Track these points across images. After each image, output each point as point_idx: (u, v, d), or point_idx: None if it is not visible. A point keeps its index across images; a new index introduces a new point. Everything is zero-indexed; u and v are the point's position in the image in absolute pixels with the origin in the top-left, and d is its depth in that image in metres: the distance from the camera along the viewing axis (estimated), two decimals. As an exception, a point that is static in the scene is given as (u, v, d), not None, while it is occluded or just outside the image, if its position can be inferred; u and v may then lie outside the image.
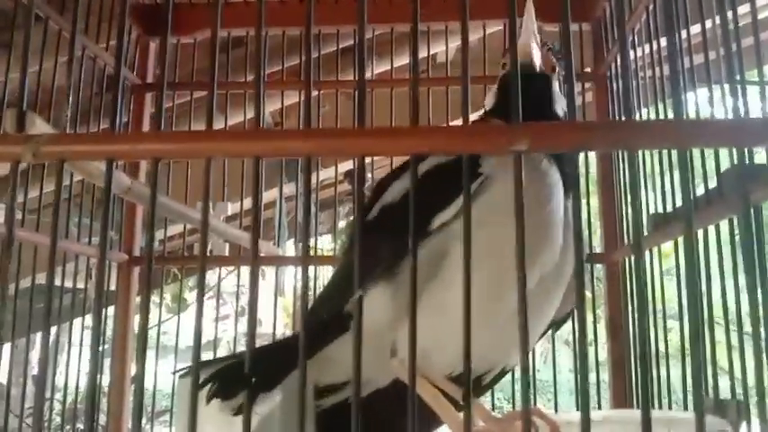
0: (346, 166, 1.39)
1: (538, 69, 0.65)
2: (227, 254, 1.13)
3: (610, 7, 1.02)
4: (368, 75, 1.18)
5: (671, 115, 0.81)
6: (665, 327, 0.88)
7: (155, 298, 1.28)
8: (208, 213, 0.35)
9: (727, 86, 0.70)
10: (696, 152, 0.72)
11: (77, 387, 1.07)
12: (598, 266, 1.05)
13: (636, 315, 0.93)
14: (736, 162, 0.61)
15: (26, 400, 0.97)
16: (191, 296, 3.04)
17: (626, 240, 0.97)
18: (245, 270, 1.18)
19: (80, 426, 1.10)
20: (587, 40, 1.07)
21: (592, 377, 1.02)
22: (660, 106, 0.87)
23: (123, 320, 1.07)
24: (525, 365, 0.31)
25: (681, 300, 0.81)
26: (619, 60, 0.97)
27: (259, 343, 0.62)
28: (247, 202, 1.22)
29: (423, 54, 1.17)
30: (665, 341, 0.87)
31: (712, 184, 0.65)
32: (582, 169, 1.11)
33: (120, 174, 0.83)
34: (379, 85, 1.16)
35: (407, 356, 0.32)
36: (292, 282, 1.76)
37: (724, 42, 0.58)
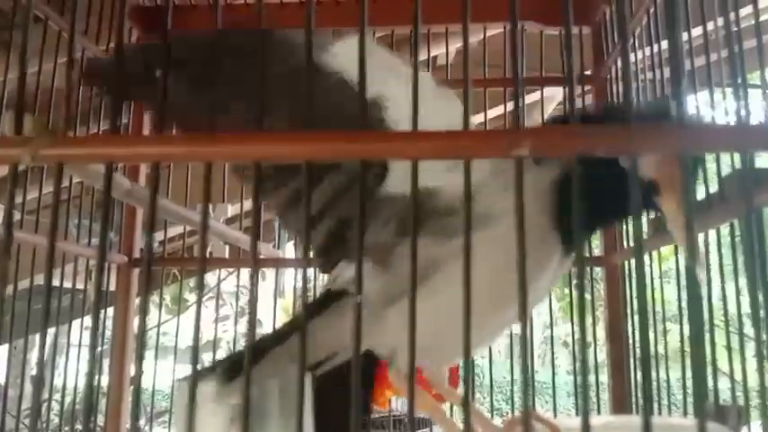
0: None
1: None
2: (227, 256, 1.13)
3: (610, 10, 1.02)
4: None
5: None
6: (664, 329, 0.88)
7: (155, 299, 1.28)
8: (207, 218, 0.35)
9: (728, 89, 0.70)
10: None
11: (76, 388, 1.07)
12: (597, 269, 1.05)
13: (635, 318, 0.93)
14: (737, 166, 0.61)
15: (24, 401, 0.97)
16: (191, 297, 3.04)
17: (625, 243, 0.97)
18: (245, 271, 1.19)
19: (78, 427, 1.10)
20: (587, 43, 1.07)
21: (591, 379, 1.03)
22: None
23: (122, 322, 1.07)
24: (525, 366, 0.31)
25: (680, 302, 0.81)
26: (620, 63, 0.97)
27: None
28: (248, 204, 1.22)
29: (423, 56, 1.17)
30: (665, 343, 0.87)
31: (713, 187, 0.65)
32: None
33: (120, 177, 0.83)
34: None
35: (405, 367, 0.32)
36: (292, 283, 1.76)
37: (726, 44, 0.58)
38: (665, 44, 0.87)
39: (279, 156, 0.35)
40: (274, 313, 1.12)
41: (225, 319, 2.83)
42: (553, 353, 1.05)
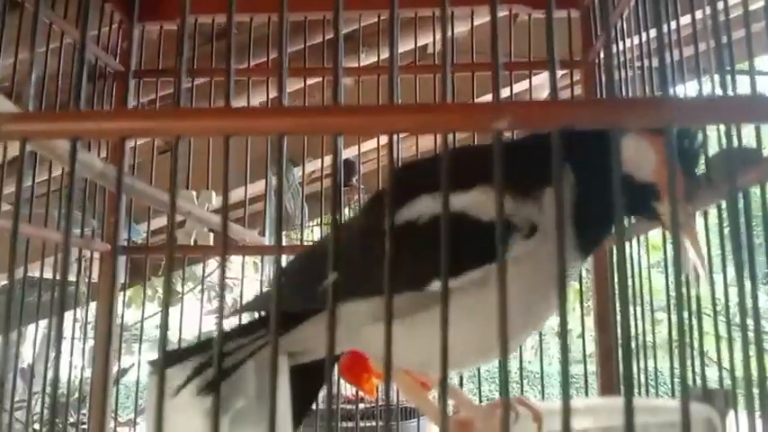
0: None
1: None
2: (211, 243, 1.11)
3: (599, -6, 1.01)
4: (353, 64, 1.16)
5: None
6: (652, 318, 0.87)
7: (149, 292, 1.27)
8: (175, 196, 0.33)
9: (716, 77, 0.69)
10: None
11: (69, 381, 1.06)
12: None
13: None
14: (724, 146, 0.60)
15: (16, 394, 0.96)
16: (185, 288, 3.01)
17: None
18: (236, 263, 1.17)
19: (71, 419, 1.09)
20: (576, 27, 1.06)
21: (580, 368, 1.03)
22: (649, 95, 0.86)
23: (106, 313, 1.05)
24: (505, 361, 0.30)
25: (668, 291, 0.81)
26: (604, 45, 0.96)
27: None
28: (238, 193, 1.20)
29: (410, 45, 1.16)
30: (653, 333, 0.86)
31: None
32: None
33: (93, 156, 0.81)
34: (366, 73, 1.15)
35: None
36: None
37: (714, 33, 0.57)
38: (653, 32, 0.86)
39: (251, 130, 0.33)
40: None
41: (213, 313, 2.81)
42: (541, 343, 1.04)
